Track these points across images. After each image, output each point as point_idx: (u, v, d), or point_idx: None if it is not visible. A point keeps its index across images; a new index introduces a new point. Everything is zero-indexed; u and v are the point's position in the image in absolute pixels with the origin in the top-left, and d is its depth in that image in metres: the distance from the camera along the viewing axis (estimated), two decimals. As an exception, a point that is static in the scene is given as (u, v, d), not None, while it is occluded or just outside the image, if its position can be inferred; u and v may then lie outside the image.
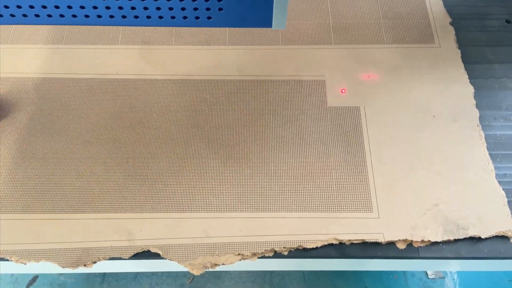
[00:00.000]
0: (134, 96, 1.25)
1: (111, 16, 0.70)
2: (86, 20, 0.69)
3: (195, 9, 0.69)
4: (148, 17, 0.71)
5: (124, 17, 0.70)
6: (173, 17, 0.71)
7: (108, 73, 1.30)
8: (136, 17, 0.70)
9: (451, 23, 1.40)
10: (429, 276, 2.02)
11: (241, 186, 1.14)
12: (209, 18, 0.71)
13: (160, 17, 0.70)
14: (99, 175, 1.15)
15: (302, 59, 1.33)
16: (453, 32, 1.38)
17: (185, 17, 0.71)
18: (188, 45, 1.35)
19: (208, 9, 0.69)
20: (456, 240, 1.07)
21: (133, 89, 1.27)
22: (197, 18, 0.71)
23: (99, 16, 0.69)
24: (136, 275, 2.10)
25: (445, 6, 1.44)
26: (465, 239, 1.07)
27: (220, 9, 0.69)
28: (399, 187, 1.13)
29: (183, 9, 0.69)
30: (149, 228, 1.08)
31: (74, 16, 0.68)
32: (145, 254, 1.05)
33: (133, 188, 1.13)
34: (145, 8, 0.69)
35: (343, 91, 1.28)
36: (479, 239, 1.07)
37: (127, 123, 1.22)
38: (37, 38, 1.36)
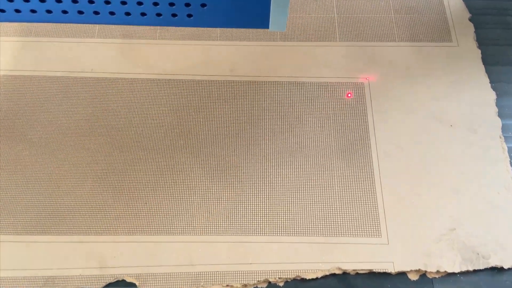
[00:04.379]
0: (112, 98, 1.10)
1: (64, 12, 0.55)
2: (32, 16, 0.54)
3: (171, 4, 0.54)
4: (112, 13, 0.55)
5: (80, 12, 0.55)
6: (143, 14, 0.55)
7: (82, 71, 1.14)
8: (96, 13, 0.55)
9: (470, 19, 1.24)
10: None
11: (230, 204, 1.00)
12: (189, 16, 0.55)
13: (127, 14, 0.55)
14: (67, 189, 1.00)
15: (302, 58, 1.18)
16: (473, 29, 1.23)
17: (158, 14, 0.55)
18: (174, 39, 1.19)
19: (187, 4, 0.54)
20: (475, 271, 0.94)
21: (110, 90, 1.11)
22: (173, 15, 0.56)
23: (33, 11, 0.54)
24: None
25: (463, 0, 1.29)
26: (485, 269, 0.95)
27: (203, 5, 0.53)
28: (411, 207, 1.00)
29: (155, 4, 0.54)
30: (124, 254, 0.94)
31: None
32: (119, 284, 0.91)
33: (107, 206, 0.99)
34: (107, 3, 0.54)
35: (349, 95, 1.13)
36: (501, 269, 0.93)
37: (102, 130, 1.06)
38: (1, 29, 1.20)
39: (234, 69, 1.15)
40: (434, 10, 1.26)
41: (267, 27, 0.57)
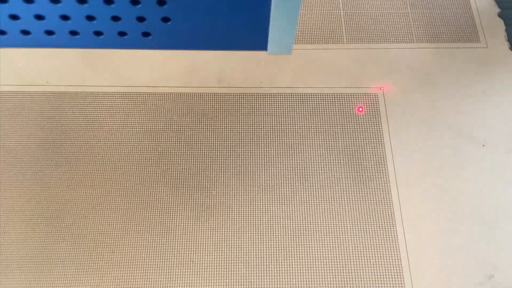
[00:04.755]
0: (72, 116, 0.90)
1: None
2: None
3: (115, 18, 0.34)
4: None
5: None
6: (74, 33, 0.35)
7: (36, 83, 0.93)
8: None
9: (500, 15, 1.05)
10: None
11: (218, 253, 0.80)
12: (145, 34, 0.35)
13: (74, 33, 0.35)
14: (12, 237, 0.80)
15: (303, 64, 0.98)
16: (503, 27, 1.03)
17: (98, 33, 0.35)
18: (148, 43, 0.98)
19: (141, 19, 0.33)
20: (521, 331, 0.76)
21: (70, 107, 0.91)
22: (121, 34, 0.35)
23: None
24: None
25: (492, -8, 1.09)
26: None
27: (166, 19, 0.33)
28: (439, 249, 0.82)
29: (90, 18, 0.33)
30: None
31: None
32: None
33: (63, 257, 0.79)
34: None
35: (361, 109, 0.93)
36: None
37: (59, 157, 0.86)
38: None
39: (222, 79, 0.95)
40: (458, 5, 1.06)
41: (265, 48, 0.37)
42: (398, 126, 0.93)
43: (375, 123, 0.94)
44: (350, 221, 0.85)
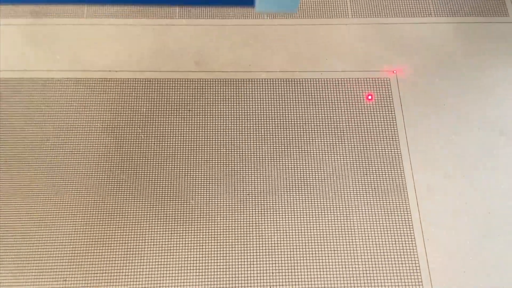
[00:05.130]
0: (17, 106, 0.72)
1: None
2: None
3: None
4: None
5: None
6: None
7: (-30, 69, 0.75)
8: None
9: (531, -16, 0.88)
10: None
11: (210, 272, 0.64)
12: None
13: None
14: None
15: (301, 43, 0.81)
16: (535, -2, 0.87)
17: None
18: (112, 17, 0.80)
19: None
20: None
21: (15, 95, 0.73)
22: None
23: None
24: None
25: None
26: None
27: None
28: (465, 263, 0.68)
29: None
30: None
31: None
32: None
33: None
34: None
35: (370, 97, 0.77)
36: None
37: (4, 156, 0.69)
38: None
39: (201, 61, 0.77)
40: (483, -28, 0.89)
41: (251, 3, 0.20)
42: (414, 117, 0.77)
43: (387, 113, 0.78)
44: (364, 221, 0.69)
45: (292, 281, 0.66)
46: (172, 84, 0.77)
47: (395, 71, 0.81)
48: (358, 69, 0.81)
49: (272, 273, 0.66)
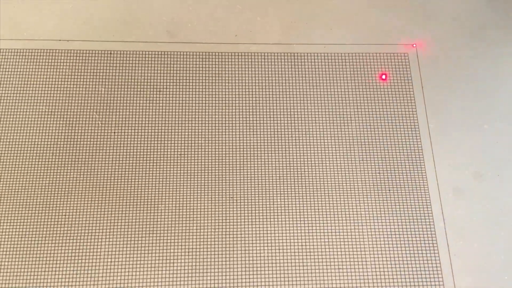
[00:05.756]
0: None
1: None
2: None
3: None
4: None
5: None
6: None
7: None
8: None
9: None
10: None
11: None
12: None
13: None
14: None
15: (300, 10, 0.66)
16: None
17: None
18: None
19: None
20: None
21: None
22: None
23: None
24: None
25: None
26: None
27: None
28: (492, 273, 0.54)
29: None
30: None
31: None
32: None
33: None
34: None
35: (384, 77, 0.62)
36: None
37: None
38: None
39: (175, 30, 0.62)
40: None
41: None
42: (438, 100, 0.64)
43: (404, 97, 0.64)
44: (374, 231, 0.56)
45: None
46: (139, 58, 0.62)
47: (415, 45, 0.67)
48: (370, 42, 0.67)
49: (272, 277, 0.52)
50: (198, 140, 0.59)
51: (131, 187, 0.56)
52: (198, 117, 0.60)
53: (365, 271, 0.55)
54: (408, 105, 0.63)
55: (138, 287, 0.52)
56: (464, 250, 0.57)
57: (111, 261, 0.53)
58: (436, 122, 0.63)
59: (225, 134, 0.60)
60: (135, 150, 0.58)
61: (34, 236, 0.53)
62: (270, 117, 0.61)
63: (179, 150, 0.58)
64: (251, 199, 0.57)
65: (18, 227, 0.54)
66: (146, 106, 0.60)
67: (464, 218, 0.58)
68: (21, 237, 0.53)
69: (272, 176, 0.58)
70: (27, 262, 0.52)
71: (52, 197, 0.55)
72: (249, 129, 0.60)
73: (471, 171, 0.61)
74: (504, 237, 0.57)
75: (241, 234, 0.55)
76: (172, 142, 0.59)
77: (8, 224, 0.54)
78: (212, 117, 0.60)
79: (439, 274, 0.55)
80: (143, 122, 0.59)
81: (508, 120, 0.63)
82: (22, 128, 0.58)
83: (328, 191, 0.58)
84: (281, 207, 0.57)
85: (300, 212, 0.57)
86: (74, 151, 0.57)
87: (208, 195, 0.57)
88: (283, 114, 0.61)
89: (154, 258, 0.54)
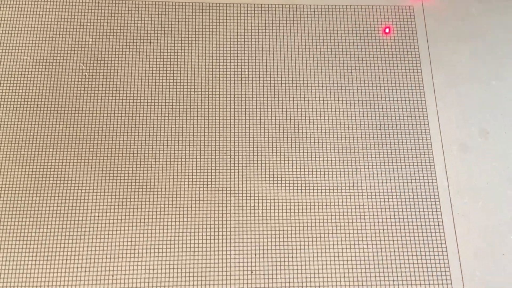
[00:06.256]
0: None
1: None
2: None
3: None
4: None
5: None
6: None
7: None
8: None
9: None
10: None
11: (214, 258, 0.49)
12: None
13: None
14: None
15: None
16: None
17: None
18: None
19: None
20: None
21: None
22: None
23: None
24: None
25: None
26: None
27: None
28: (506, 248, 0.54)
29: None
30: None
31: None
32: None
33: None
34: None
35: (388, 30, 0.59)
36: None
37: None
38: None
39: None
40: None
41: None
42: (444, 55, 0.61)
43: (409, 51, 0.61)
44: (377, 188, 0.53)
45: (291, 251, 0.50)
46: (127, 7, 0.59)
47: (421, -2, 0.63)
48: (372, -7, 0.62)
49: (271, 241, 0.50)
50: (190, 94, 0.56)
51: (120, 140, 0.54)
52: (191, 70, 0.57)
53: (364, 230, 0.53)
54: (412, 60, 0.60)
55: (126, 242, 0.50)
56: (468, 209, 0.54)
57: (99, 216, 0.51)
58: (441, 78, 0.60)
59: (219, 88, 0.57)
60: (124, 102, 0.55)
61: (20, 188, 0.51)
62: (267, 71, 0.58)
63: (171, 103, 0.56)
64: (247, 155, 0.54)
65: (4, 179, 0.51)
66: (134, 57, 0.57)
67: (468, 176, 0.56)
68: (7, 190, 0.51)
69: (269, 131, 0.55)
70: (14, 215, 0.50)
71: (38, 148, 0.53)
72: (245, 83, 0.57)
73: (477, 128, 0.58)
74: (510, 196, 0.55)
75: (235, 191, 0.53)
76: (163, 95, 0.56)
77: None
78: (205, 71, 0.57)
79: (441, 233, 0.53)
80: (132, 74, 0.56)
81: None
82: (7, 78, 0.55)
83: (328, 146, 0.55)
84: (277, 162, 0.54)
85: (300, 168, 0.54)
86: (61, 102, 0.54)
87: (201, 149, 0.54)
88: (282, 68, 0.58)
89: (144, 213, 0.51)
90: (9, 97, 0.54)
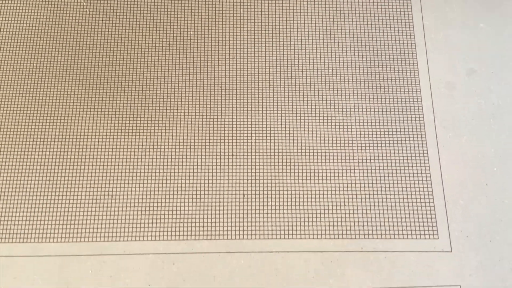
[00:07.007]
0: None
1: None
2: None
3: None
4: None
5: None
6: None
7: None
8: None
9: None
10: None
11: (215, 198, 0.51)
12: None
13: None
14: None
15: None
16: None
17: None
18: None
19: None
20: None
21: None
22: None
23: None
24: None
25: None
26: None
27: None
28: (489, 178, 0.55)
29: None
30: None
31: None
32: None
33: None
34: None
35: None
36: None
37: None
38: None
39: None
40: None
41: None
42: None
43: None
44: (365, 120, 0.55)
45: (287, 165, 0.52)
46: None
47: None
48: None
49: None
50: (188, 33, 0.58)
51: (119, 71, 0.56)
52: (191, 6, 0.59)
53: (352, 158, 0.54)
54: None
55: (124, 169, 0.52)
56: (453, 142, 0.56)
57: (98, 142, 0.53)
58: (431, 20, 0.61)
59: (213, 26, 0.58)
60: (126, 35, 0.57)
61: (24, 116, 0.54)
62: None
63: (169, 37, 0.58)
64: (242, 88, 0.57)
65: (7, 106, 0.54)
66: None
67: (454, 112, 0.57)
68: (11, 117, 0.54)
69: (264, 67, 0.57)
70: (15, 137, 0.53)
71: (41, 79, 0.55)
72: (239, 17, 0.59)
73: (464, 67, 0.59)
74: (495, 130, 0.57)
75: (229, 120, 0.55)
76: (163, 30, 0.58)
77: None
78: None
79: (426, 165, 0.55)
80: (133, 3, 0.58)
81: (506, 19, 0.62)
82: (10, 14, 0.57)
83: (317, 79, 0.57)
84: (271, 96, 0.56)
85: (291, 100, 0.56)
86: (63, 35, 0.57)
87: (197, 83, 0.56)
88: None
89: (140, 141, 0.53)
90: (14, 29, 0.56)
